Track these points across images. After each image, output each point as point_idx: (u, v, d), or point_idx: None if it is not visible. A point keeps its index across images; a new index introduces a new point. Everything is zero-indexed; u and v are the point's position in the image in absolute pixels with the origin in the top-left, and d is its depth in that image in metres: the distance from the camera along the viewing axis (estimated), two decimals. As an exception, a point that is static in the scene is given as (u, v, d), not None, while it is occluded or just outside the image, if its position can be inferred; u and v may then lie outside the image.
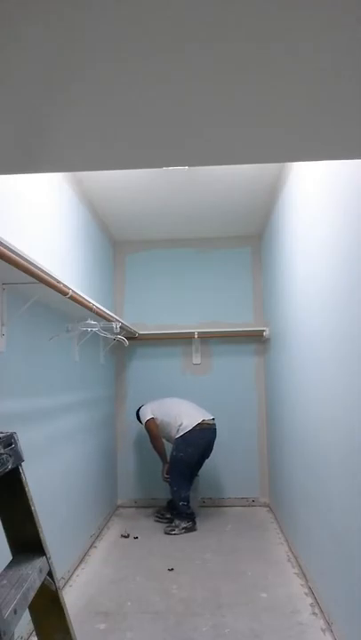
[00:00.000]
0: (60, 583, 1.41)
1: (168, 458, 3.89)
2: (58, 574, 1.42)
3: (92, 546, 3.37)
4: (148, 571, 2.97)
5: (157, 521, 3.91)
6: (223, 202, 3.78)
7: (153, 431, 3.89)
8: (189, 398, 4.16)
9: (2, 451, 1.21)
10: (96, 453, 3.70)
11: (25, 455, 1.33)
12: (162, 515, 3.94)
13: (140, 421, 4.02)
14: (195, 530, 3.69)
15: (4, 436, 1.26)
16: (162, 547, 3.39)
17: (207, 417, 3.85)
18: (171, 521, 3.77)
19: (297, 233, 2.92)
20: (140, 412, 4.01)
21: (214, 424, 3.87)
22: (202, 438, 3.78)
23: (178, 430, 3.78)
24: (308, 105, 1.20)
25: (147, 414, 3.92)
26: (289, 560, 3.07)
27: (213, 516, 4.07)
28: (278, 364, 3.71)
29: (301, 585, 2.71)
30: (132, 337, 4.12)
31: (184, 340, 4.46)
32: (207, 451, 3.84)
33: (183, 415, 3.83)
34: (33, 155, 1.42)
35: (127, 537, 3.58)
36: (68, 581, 2.79)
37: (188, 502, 3.75)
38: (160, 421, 3.89)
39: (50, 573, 1.32)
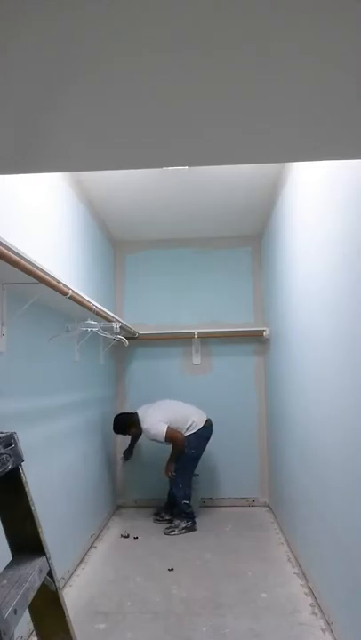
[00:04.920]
0: (60, 583, 1.41)
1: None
2: (58, 574, 1.42)
3: (92, 546, 3.37)
4: (148, 571, 2.97)
5: (157, 521, 3.91)
6: (223, 202, 3.78)
7: (176, 435, 3.75)
8: (189, 398, 4.15)
9: (2, 451, 1.22)
10: (96, 453, 3.70)
11: (25, 455, 1.33)
12: (161, 516, 3.93)
13: (126, 432, 3.97)
14: (195, 530, 3.69)
15: (4, 436, 1.26)
16: (162, 547, 3.39)
17: (205, 414, 3.95)
18: (170, 521, 3.77)
19: (297, 233, 2.92)
20: (150, 427, 3.76)
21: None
22: (208, 434, 3.90)
23: (188, 429, 3.81)
24: (308, 105, 1.20)
25: (160, 425, 3.74)
26: (289, 560, 3.07)
27: (213, 515, 4.07)
28: (278, 364, 3.71)
29: (301, 585, 2.71)
30: (132, 337, 4.12)
31: (184, 340, 4.46)
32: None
33: (193, 414, 3.89)
34: (33, 155, 1.42)
35: (127, 537, 3.58)
36: (68, 581, 2.79)
37: (190, 501, 3.77)
38: (174, 426, 3.81)
39: (50, 573, 1.32)
